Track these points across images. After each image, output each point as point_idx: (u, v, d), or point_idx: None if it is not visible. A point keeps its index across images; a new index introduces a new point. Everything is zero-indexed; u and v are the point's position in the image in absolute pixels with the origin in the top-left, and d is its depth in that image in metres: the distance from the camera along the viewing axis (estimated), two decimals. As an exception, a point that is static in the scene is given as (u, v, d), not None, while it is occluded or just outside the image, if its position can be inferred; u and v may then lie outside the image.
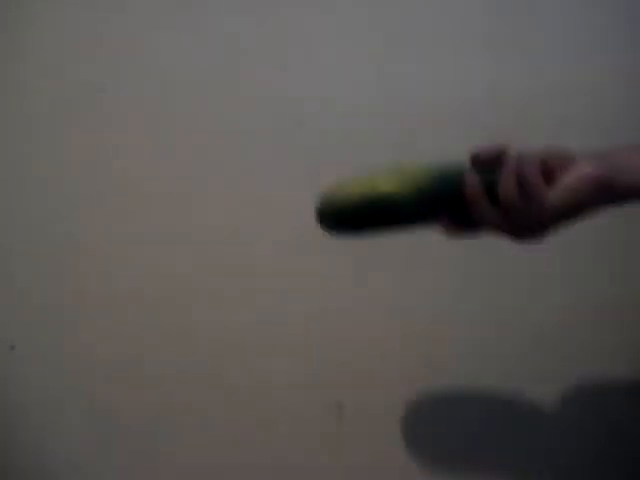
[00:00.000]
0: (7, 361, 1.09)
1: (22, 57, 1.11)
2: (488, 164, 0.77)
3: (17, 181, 1.10)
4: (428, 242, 1.09)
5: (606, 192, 0.74)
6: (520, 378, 1.09)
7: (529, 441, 1.09)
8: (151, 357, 1.09)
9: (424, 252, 1.10)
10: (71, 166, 1.10)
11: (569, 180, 0.74)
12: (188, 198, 1.10)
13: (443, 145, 1.11)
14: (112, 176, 1.10)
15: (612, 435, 1.08)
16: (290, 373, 1.09)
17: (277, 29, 1.12)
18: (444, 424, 1.10)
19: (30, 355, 1.09)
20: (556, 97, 1.11)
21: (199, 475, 1.09)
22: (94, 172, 1.10)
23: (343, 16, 1.13)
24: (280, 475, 1.09)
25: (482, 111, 1.11)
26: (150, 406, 1.09)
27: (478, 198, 0.76)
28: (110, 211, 1.10)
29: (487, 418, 1.10)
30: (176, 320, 1.09)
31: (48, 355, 1.09)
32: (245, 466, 1.09)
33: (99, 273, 1.09)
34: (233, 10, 1.12)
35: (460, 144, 1.11)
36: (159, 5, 1.11)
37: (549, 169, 0.75)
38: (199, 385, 1.09)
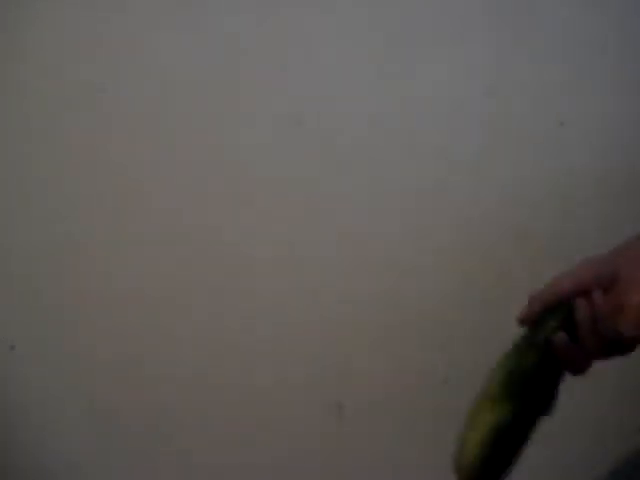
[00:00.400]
0: (7, 361, 1.08)
1: (22, 57, 1.11)
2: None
3: (17, 181, 1.10)
4: (428, 242, 1.10)
5: None
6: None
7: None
8: (151, 357, 1.09)
9: (424, 253, 1.10)
10: (71, 166, 1.10)
11: (631, 305, 0.71)
12: (188, 198, 1.10)
13: (443, 145, 1.12)
14: (112, 176, 1.10)
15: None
16: (290, 373, 1.09)
17: (277, 29, 1.12)
18: (444, 424, 1.10)
19: (30, 355, 1.09)
20: (556, 97, 1.12)
21: (199, 475, 1.09)
22: (94, 172, 1.10)
23: (343, 16, 1.13)
24: (280, 475, 1.09)
25: (482, 111, 1.11)
26: (150, 406, 1.09)
27: (569, 351, 0.73)
28: (110, 211, 1.10)
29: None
30: (176, 320, 1.09)
31: (48, 355, 1.09)
32: (245, 466, 1.09)
33: (99, 273, 1.09)
34: (233, 10, 1.12)
35: (460, 144, 1.12)
36: (159, 5, 1.11)
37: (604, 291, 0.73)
38: (199, 385, 1.09)
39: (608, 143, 1.10)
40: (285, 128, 1.11)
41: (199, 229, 1.10)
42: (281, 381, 1.09)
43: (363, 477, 1.09)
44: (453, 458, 0.76)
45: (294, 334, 1.10)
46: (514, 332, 1.10)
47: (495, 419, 0.74)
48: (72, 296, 1.09)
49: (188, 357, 1.09)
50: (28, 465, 1.08)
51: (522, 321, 0.76)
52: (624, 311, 0.72)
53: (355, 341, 1.10)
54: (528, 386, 0.75)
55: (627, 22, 1.12)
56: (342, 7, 1.12)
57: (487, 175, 1.10)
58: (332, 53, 1.12)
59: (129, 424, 1.09)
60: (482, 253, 1.09)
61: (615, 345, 0.73)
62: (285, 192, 1.10)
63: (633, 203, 1.07)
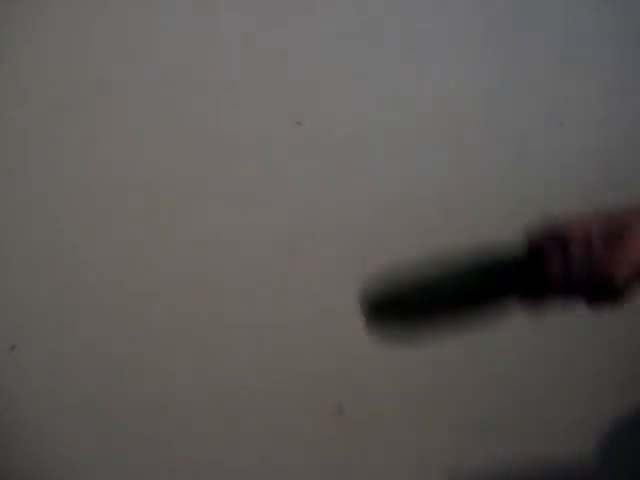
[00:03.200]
0: (7, 361, 1.09)
1: (22, 57, 1.11)
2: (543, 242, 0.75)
3: (17, 181, 1.10)
4: (428, 243, 1.10)
5: None
6: (520, 378, 1.09)
7: (529, 441, 1.10)
8: (151, 358, 1.09)
9: (423, 252, 1.10)
10: (71, 166, 1.10)
11: (631, 260, 0.73)
12: (188, 198, 1.10)
13: (443, 145, 1.12)
14: (112, 177, 1.10)
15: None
16: (290, 374, 1.09)
17: (277, 29, 1.12)
18: (445, 424, 1.10)
19: (30, 355, 1.09)
20: (555, 97, 1.12)
21: (199, 475, 1.09)
22: (94, 172, 1.10)
23: (343, 16, 1.13)
24: (280, 475, 1.09)
25: (482, 111, 1.11)
26: (150, 406, 1.09)
27: (559, 279, 0.73)
28: (110, 211, 1.10)
29: (488, 418, 1.10)
30: (176, 321, 1.09)
31: (48, 355, 1.09)
32: (245, 466, 1.09)
33: (99, 273, 1.09)
34: (233, 10, 1.12)
35: (460, 144, 1.12)
36: (159, 5, 1.11)
37: (607, 235, 0.74)
38: (199, 386, 1.09)
39: (608, 143, 1.10)
40: (285, 128, 1.11)
41: (199, 228, 1.10)
42: (281, 382, 1.09)
43: (363, 477, 1.09)
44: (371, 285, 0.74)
45: (294, 335, 1.10)
46: (513, 336, 1.11)
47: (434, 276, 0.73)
48: (72, 296, 1.09)
49: (188, 358, 1.09)
50: (28, 465, 1.08)
51: (527, 232, 0.75)
52: (620, 259, 0.73)
53: (355, 342, 1.10)
54: (488, 276, 0.74)
55: (627, 22, 1.12)
56: (342, 7, 1.13)
57: (487, 175, 1.11)
58: (332, 53, 1.12)
59: (129, 424, 1.09)
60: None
61: (601, 288, 0.73)
62: (285, 192, 1.10)
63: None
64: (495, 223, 1.09)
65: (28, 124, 1.11)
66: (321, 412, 1.09)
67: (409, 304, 0.73)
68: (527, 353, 1.10)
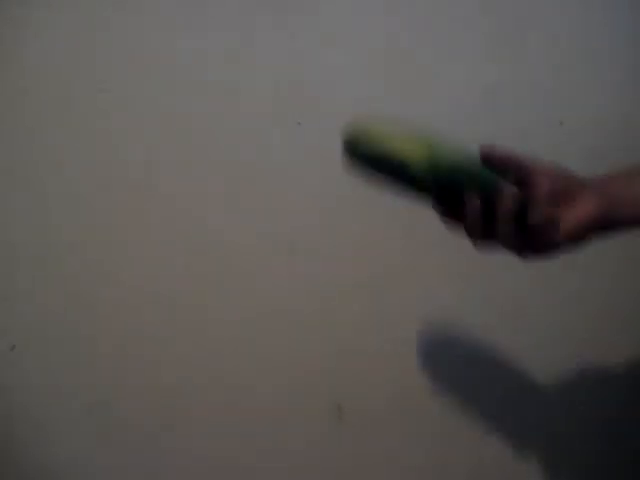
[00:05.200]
0: (7, 361, 1.09)
1: (23, 57, 1.11)
2: (499, 166, 0.78)
3: (17, 181, 1.10)
4: (429, 244, 1.10)
5: (607, 227, 0.78)
6: (520, 378, 1.09)
7: (530, 441, 1.10)
8: (151, 357, 1.09)
9: (426, 255, 1.10)
10: (71, 166, 1.10)
11: (574, 217, 0.77)
12: (188, 197, 1.10)
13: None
14: (112, 176, 1.10)
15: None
16: (290, 374, 1.09)
17: (277, 29, 1.12)
18: (445, 424, 1.10)
19: (30, 355, 1.09)
20: (556, 97, 1.12)
21: (199, 475, 1.09)
22: (94, 172, 1.10)
23: (343, 17, 1.13)
24: (280, 475, 1.09)
25: (482, 111, 1.11)
26: (150, 406, 1.09)
27: (509, 218, 0.76)
28: (110, 211, 1.10)
29: (487, 418, 1.10)
30: (176, 320, 1.09)
31: (48, 355, 1.09)
32: (245, 466, 1.09)
33: (99, 273, 1.10)
34: (233, 10, 1.12)
35: (459, 144, 1.12)
36: (159, 5, 1.11)
37: (557, 193, 0.77)
38: (199, 385, 1.09)
39: (608, 143, 1.10)
40: (285, 128, 1.11)
41: (199, 228, 1.10)
42: (281, 382, 1.09)
43: (363, 477, 1.09)
44: (357, 127, 0.80)
45: (294, 335, 1.10)
46: (514, 331, 1.11)
47: (409, 159, 0.76)
48: (72, 296, 1.09)
49: (188, 357, 1.09)
50: (28, 465, 1.08)
51: (483, 150, 0.78)
52: (566, 218, 0.77)
53: (355, 342, 1.10)
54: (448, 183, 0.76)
55: (627, 22, 1.12)
56: (342, 8, 1.13)
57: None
58: (332, 53, 1.12)
59: (129, 424, 1.09)
60: (482, 254, 1.09)
61: (536, 241, 0.76)
62: (285, 192, 1.10)
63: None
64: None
65: (28, 124, 1.11)
66: (320, 412, 1.09)
67: (369, 147, 0.78)
68: (527, 353, 1.10)
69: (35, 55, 1.11)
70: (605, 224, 0.78)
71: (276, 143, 1.11)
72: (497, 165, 0.78)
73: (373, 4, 1.12)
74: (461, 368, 1.10)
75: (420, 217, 1.11)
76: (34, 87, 1.11)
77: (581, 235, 0.77)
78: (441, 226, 1.11)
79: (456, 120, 1.11)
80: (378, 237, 1.10)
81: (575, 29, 1.12)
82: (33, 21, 1.11)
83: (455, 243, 1.09)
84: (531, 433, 1.10)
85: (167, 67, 1.11)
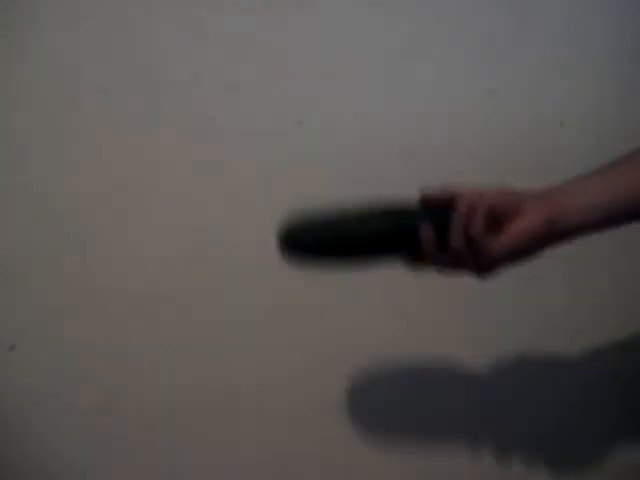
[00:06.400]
0: (7, 361, 1.08)
1: (23, 57, 1.11)
2: (437, 206, 0.80)
3: (17, 181, 1.10)
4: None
5: (550, 238, 0.78)
6: (519, 378, 1.10)
7: (530, 441, 1.10)
8: (151, 357, 1.09)
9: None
10: (71, 166, 1.10)
11: (513, 231, 0.77)
12: (188, 198, 1.10)
13: (443, 145, 1.12)
14: (112, 176, 1.10)
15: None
16: (290, 373, 1.09)
17: (277, 29, 1.12)
18: (445, 424, 1.10)
19: (30, 355, 1.09)
20: (556, 97, 1.12)
21: (198, 475, 1.09)
22: (94, 172, 1.10)
23: (343, 17, 1.13)
24: (280, 475, 1.09)
25: (482, 111, 1.11)
26: (150, 406, 1.09)
27: (431, 248, 0.79)
28: (110, 211, 1.10)
29: (488, 418, 1.10)
30: (176, 320, 1.09)
31: (48, 355, 1.09)
32: (245, 466, 1.09)
33: (99, 273, 1.09)
34: (233, 10, 1.12)
35: (460, 144, 1.12)
36: (159, 5, 1.11)
37: (497, 215, 0.78)
38: (199, 385, 1.09)
39: (608, 143, 1.10)
40: (285, 128, 1.11)
41: (199, 229, 1.10)
42: (281, 381, 1.09)
43: (363, 478, 1.09)
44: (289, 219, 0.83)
45: (294, 334, 1.10)
46: (512, 331, 1.11)
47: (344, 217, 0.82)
48: (72, 296, 1.09)
49: (188, 357, 1.09)
50: (28, 465, 1.08)
51: (420, 197, 0.81)
52: (502, 235, 0.77)
53: (355, 341, 1.10)
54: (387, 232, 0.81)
55: (627, 22, 1.12)
56: (342, 8, 1.13)
57: (487, 175, 1.10)
58: (332, 53, 1.12)
59: (129, 424, 1.09)
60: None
61: (479, 261, 0.78)
62: (285, 192, 1.10)
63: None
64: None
65: (28, 124, 1.11)
66: (321, 412, 1.09)
67: (314, 236, 0.83)
68: (527, 357, 1.10)
69: (35, 55, 1.11)
70: (553, 232, 0.77)
71: (276, 143, 1.11)
72: (434, 203, 0.80)
73: (373, 4, 1.12)
74: (461, 367, 1.10)
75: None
76: (34, 87, 1.11)
77: (527, 246, 0.77)
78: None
79: (456, 120, 1.11)
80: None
81: (575, 29, 1.12)
82: (32, 21, 1.11)
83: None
84: (531, 441, 1.10)
85: (167, 67, 1.11)
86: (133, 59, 1.11)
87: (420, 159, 1.11)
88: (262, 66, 1.12)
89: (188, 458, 1.09)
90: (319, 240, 0.82)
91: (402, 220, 0.81)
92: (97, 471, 1.08)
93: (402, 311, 1.10)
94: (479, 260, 0.78)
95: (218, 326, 1.09)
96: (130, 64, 1.11)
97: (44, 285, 1.09)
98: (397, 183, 1.10)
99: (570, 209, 0.78)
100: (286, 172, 1.11)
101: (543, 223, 0.77)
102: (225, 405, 1.09)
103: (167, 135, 1.11)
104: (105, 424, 1.08)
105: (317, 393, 1.09)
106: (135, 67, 1.11)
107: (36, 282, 1.09)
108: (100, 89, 1.11)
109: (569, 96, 1.11)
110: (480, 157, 1.11)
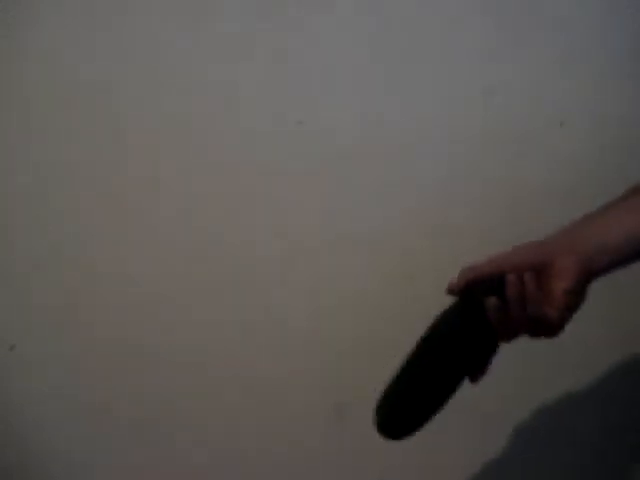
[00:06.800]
0: (7, 361, 1.08)
1: (23, 57, 1.11)
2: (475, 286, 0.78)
3: (17, 181, 1.10)
4: (428, 242, 1.10)
5: (590, 278, 0.77)
6: (520, 377, 1.09)
7: (531, 448, 1.10)
8: (152, 357, 1.09)
9: (425, 253, 1.10)
10: (72, 166, 1.10)
11: (561, 287, 0.76)
12: (188, 197, 1.10)
13: (443, 145, 1.12)
14: (113, 176, 1.10)
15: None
16: (290, 374, 1.09)
17: (277, 29, 1.12)
18: (446, 424, 1.10)
19: (30, 355, 1.09)
20: (556, 97, 1.12)
21: (198, 475, 1.09)
22: (95, 172, 1.10)
23: (343, 17, 1.13)
24: (280, 475, 1.09)
25: (482, 111, 1.11)
26: (150, 406, 1.09)
27: (501, 316, 0.77)
28: (110, 211, 1.10)
29: (488, 418, 1.10)
30: (176, 319, 1.09)
31: (48, 355, 1.09)
32: (245, 466, 1.09)
33: (99, 273, 1.10)
34: (233, 10, 1.12)
35: (460, 144, 1.12)
36: (159, 5, 1.11)
37: (535, 267, 0.77)
38: (199, 385, 1.09)
39: (608, 143, 1.10)
40: (285, 128, 1.11)
41: (199, 229, 1.10)
42: (281, 382, 1.09)
43: (363, 478, 1.09)
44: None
45: (294, 335, 1.10)
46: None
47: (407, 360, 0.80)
48: (72, 296, 1.09)
49: (188, 357, 1.09)
50: (28, 465, 1.08)
51: (451, 290, 0.79)
52: (551, 295, 0.76)
53: (356, 341, 1.10)
54: (450, 343, 0.78)
55: (627, 22, 1.12)
56: (342, 8, 1.13)
57: (487, 175, 1.11)
58: (332, 53, 1.12)
59: (129, 424, 1.09)
60: (482, 253, 1.09)
61: (540, 326, 0.76)
62: (285, 192, 1.10)
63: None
64: (495, 223, 1.10)
65: (29, 124, 1.11)
66: (321, 413, 1.09)
67: (408, 411, 0.81)
68: (528, 352, 1.10)
69: (35, 55, 1.11)
70: (589, 277, 0.77)
71: (276, 143, 1.11)
72: (473, 286, 0.78)
73: (374, 4, 1.12)
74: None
75: (420, 215, 1.11)
76: (34, 87, 1.11)
77: (576, 299, 0.77)
78: (440, 223, 1.11)
79: (456, 120, 1.11)
80: (379, 236, 1.10)
81: (575, 29, 1.12)
82: (32, 21, 1.11)
83: (454, 237, 1.09)
84: (533, 450, 1.10)
85: (167, 67, 1.11)
86: (133, 59, 1.11)
87: (420, 159, 1.11)
88: (262, 66, 1.12)
89: (188, 458, 1.09)
90: (421, 416, 0.81)
91: (460, 314, 0.78)
92: (97, 471, 1.08)
93: (402, 311, 1.10)
94: (544, 330, 0.77)
95: (218, 326, 1.09)
96: (130, 64, 1.11)
97: (44, 285, 1.09)
98: (397, 183, 1.11)
99: (599, 250, 0.78)
100: (286, 172, 1.10)
101: (583, 269, 0.76)
102: (225, 405, 1.09)
103: (167, 135, 1.11)
104: (105, 424, 1.08)
105: (317, 393, 1.09)
106: (135, 67, 1.11)
107: (36, 282, 1.09)
108: (100, 89, 1.11)
109: (569, 96, 1.11)
110: (480, 157, 1.11)
